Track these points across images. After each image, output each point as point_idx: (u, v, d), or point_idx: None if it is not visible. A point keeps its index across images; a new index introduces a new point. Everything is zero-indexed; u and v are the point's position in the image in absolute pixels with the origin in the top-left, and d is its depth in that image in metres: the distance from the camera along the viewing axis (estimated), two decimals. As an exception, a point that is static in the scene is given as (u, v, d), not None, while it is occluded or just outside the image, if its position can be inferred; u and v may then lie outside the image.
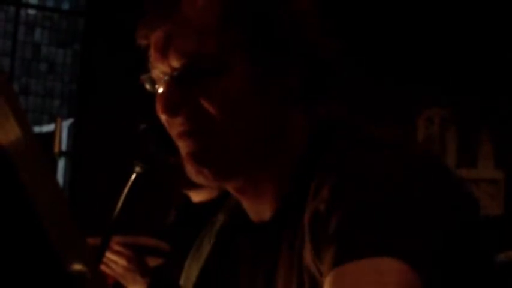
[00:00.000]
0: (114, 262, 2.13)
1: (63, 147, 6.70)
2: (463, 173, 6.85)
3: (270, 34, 1.15)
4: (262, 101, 1.16)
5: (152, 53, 1.19)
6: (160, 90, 1.19)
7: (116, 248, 2.11)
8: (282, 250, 1.16)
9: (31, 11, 8.02)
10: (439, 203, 1.04)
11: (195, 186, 2.27)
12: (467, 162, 7.34)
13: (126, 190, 1.76)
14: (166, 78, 1.17)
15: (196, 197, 2.36)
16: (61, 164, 6.92)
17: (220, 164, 1.17)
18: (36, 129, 7.47)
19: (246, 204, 1.25)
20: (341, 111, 1.22)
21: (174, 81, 1.16)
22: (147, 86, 1.21)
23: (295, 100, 1.17)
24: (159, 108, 1.18)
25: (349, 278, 0.95)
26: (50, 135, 5.77)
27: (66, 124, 7.06)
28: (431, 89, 7.29)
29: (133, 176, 1.78)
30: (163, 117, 1.19)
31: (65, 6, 8.07)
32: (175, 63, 1.16)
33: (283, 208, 1.18)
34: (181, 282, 2.16)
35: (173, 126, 1.19)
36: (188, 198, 2.43)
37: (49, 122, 7.49)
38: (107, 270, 2.13)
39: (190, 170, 1.20)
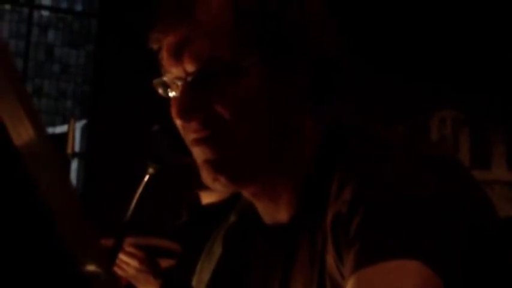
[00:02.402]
0: (126, 263, 2.13)
1: (77, 148, 6.71)
2: (476, 175, 6.80)
3: (279, 33, 1.14)
4: (274, 103, 1.15)
5: (165, 57, 1.18)
6: (174, 94, 1.18)
7: (128, 249, 2.12)
8: (299, 253, 1.16)
9: (44, 12, 8.05)
10: (459, 205, 1.03)
11: (209, 187, 2.27)
12: (480, 164, 7.32)
13: (139, 191, 1.76)
14: (180, 82, 1.17)
15: (208, 198, 2.36)
16: (74, 165, 6.94)
17: (237, 171, 1.16)
18: (50, 130, 7.49)
19: (261, 208, 1.23)
20: (350, 111, 1.21)
21: (189, 86, 1.15)
22: (160, 91, 1.20)
23: (304, 100, 1.16)
24: (173, 113, 1.17)
25: (370, 281, 0.95)
26: (63, 136, 5.77)
27: (79, 125, 7.08)
28: (444, 91, 7.27)
29: (147, 177, 1.78)
30: (178, 122, 1.18)
31: (78, 7, 8.09)
32: (190, 68, 1.15)
33: (301, 210, 1.17)
34: (193, 284, 2.16)
35: (188, 131, 1.18)
36: (199, 199, 2.42)
37: (62, 123, 7.51)
38: (119, 272, 2.13)
39: (207, 177, 1.19)
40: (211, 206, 2.36)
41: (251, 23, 1.13)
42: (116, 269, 2.13)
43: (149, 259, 2.13)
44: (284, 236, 1.19)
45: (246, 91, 1.13)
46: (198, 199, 2.41)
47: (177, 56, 1.16)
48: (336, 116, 1.19)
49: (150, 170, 1.78)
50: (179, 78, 1.17)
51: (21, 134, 0.75)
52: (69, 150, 5.46)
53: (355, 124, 1.19)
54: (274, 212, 1.21)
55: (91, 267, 0.74)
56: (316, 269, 1.10)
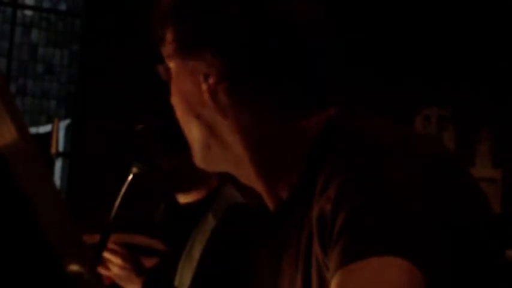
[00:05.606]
0: (109, 261, 2.12)
1: (60, 148, 6.70)
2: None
3: (233, 35, 1.15)
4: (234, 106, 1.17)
5: None
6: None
7: (111, 246, 2.10)
8: (286, 245, 1.17)
9: (28, 12, 8.02)
10: (445, 205, 1.03)
11: (185, 190, 2.29)
12: (465, 161, 7.35)
13: (123, 190, 1.76)
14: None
15: (184, 199, 2.36)
16: (58, 164, 6.92)
17: (197, 156, 1.23)
18: (33, 130, 7.47)
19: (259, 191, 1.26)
20: (340, 110, 1.21)
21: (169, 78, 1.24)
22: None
23: (284, 105, 1.16)
24: None
25: (354, 278, 0.96)
26: (47, 136, 5.76)
27: (63, 125, 7.07)
28: (430, 88, 7.30)
29: (130, 176, 1.78)
30: None
31: (62, 7, 8.06)
32: (168, 61, 1.22)
33: (287, 204, 1.18)
34: (176, 283, 2.16)
35: None
36: (176, 199, 2.42)
37: (46, 123, 7.50)
38: (102, 271, 2.12)
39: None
40: (188, 205, 2.36)
41: (180, 21, 1.17)
42: (99, 267, 2.12)
43: (132, 257, 2.12)
44: (271, 226, 1.21)
45: (193, 90, 1.18)
46: (175, 199, 2.41)
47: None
48: (330, 115, 1.19)
49: (134, 170, 1.79)
50: None
51: (4, 134, 0.74)
52: (53, 150, 5.44)
53: (348, 122, 1.18)
54: (264, 196, 1.23)
55: (75, 267, 0.74)
56: (302, 261, 1.11)
